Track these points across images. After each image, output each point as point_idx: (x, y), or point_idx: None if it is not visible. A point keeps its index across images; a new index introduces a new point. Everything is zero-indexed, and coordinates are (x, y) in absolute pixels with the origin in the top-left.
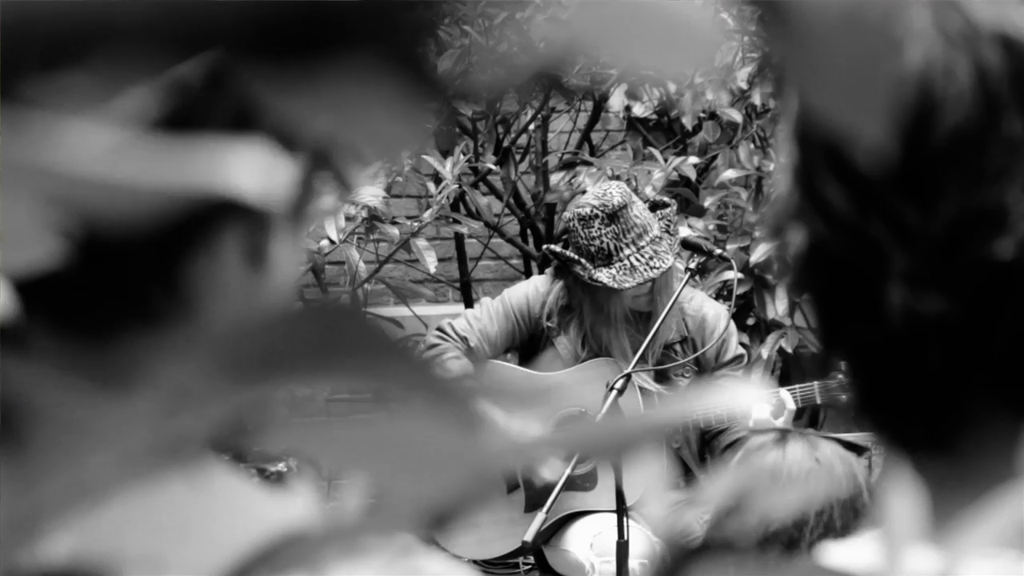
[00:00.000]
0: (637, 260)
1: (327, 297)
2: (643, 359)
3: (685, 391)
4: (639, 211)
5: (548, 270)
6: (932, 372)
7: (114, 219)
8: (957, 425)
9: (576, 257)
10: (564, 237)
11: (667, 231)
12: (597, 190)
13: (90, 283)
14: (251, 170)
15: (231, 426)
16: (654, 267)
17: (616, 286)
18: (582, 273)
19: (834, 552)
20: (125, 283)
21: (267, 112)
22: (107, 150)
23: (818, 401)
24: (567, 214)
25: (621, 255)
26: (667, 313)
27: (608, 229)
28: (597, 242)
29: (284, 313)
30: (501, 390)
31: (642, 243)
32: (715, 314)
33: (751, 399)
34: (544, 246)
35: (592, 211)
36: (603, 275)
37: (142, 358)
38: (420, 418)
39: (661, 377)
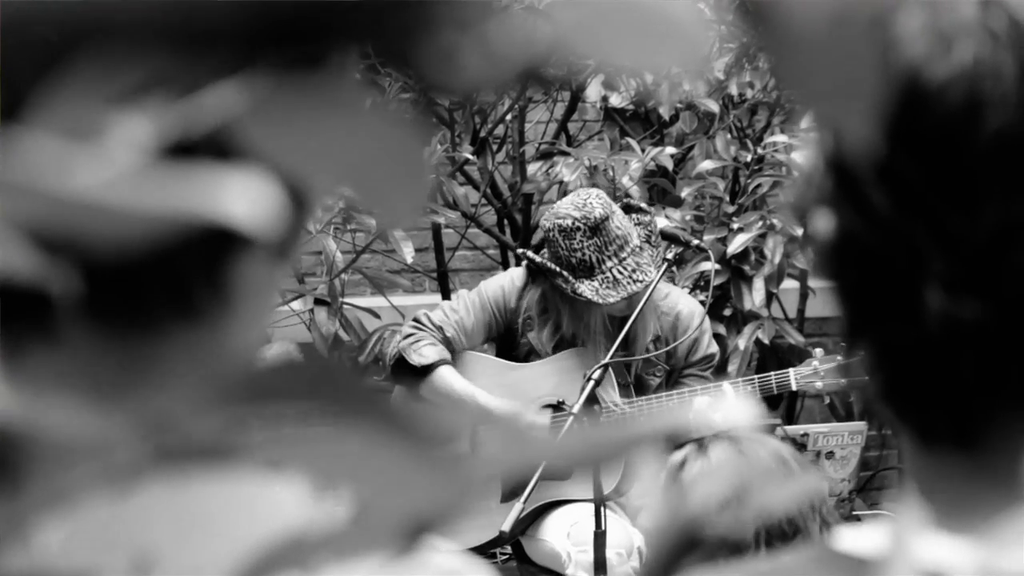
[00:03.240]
0: (620, 272)
1: (320, 355)
2: (625, 352)
3: (666, 398)
4: (619, 221)
5: (522, 270)
6: (964, 374)
7: (108, 243)
8: (985, 424)
9: (557, 269)
10: (544, 246)
11: (648, 241)
12: (577, 200)
13: (131, 276)
14: (244, 199)
15: (215, 442)
16: (637, 280)
17: (600, 300)
18: (564, 286)
19: (844, 537)
20: (169, 277)
21: (262, 152)
22: (105, 176)
23: (793, 388)
24: (546, 223)
25: (603, 267)
26: (641, 308)
27: (590, 242)
28: (579, 254)
29: (277, 360)
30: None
31: (624, 255)
32: (688, 311)
33: (729, 400)
34: (520, 250)
35: (574, 223)
36: (586, 288)
37: (175, 351)
38: (392, 436)
39: (632, 375)
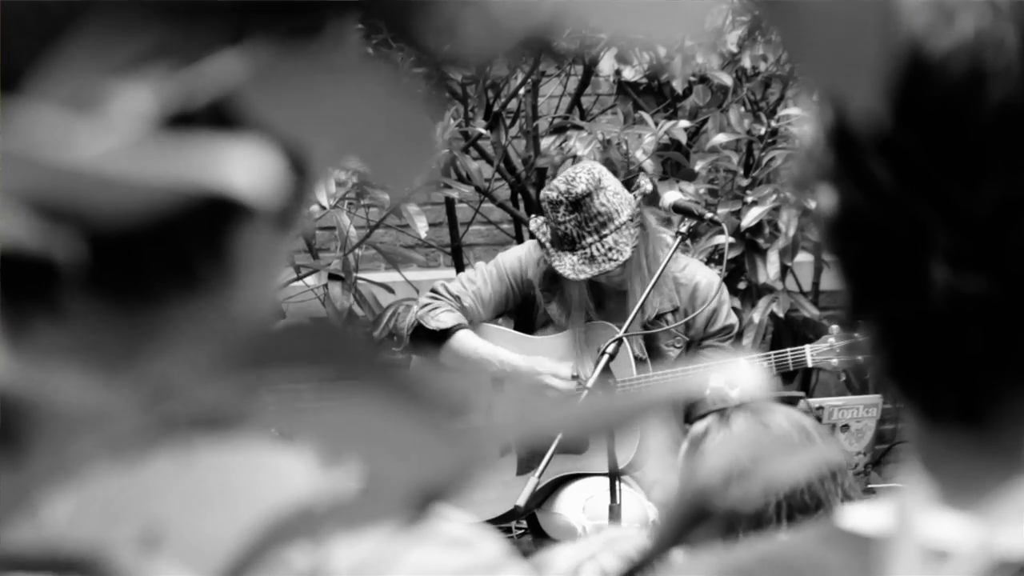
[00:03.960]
0: (597, 250)
1: (328, 321)
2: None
3: (679, 365)
4: (607, 197)
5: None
6: (969, 350)
7: (110, 214)
8: (990, 400)
9: (544, 242)
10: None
11: (631, 219)
12: (569, 173)
13: (134, 246)
14: (246, 168)
15: (222, 410)
16: (611, 259)
17: (573, 276)
18: (547, 259)
19: (850, 514)
20: (169, 246)
21: (266, 121)
22: (107, 147)
23: (809, 365)
24: (543, 193)
25: (584, 243)
26: (653, 285)
27: (571, 216)
28: (562, 228)
29: (278, 324)
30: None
31: (605, 232)
32: (707, 283)
33: (744, 374)
34: (531, 216)
35: (558, 196)
36: (564, 263)
37: (178, 320)
38: (404, 404)
39: (650, 347)
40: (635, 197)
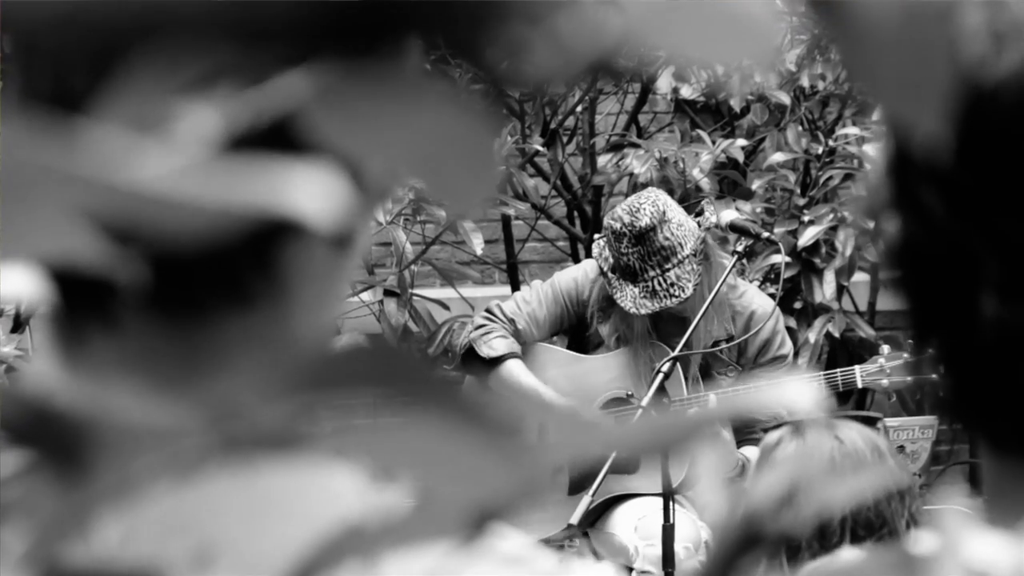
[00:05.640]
0: (659, 284)
1: (387, 343)
2: (686, 350)
3: (732, 388)
4: (671, 231)
5: (595, 261)
6: (1021, 381)
7: (175, 237)
8: None
9: (606, 270)
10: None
11: (695, 254)
12: (634, 202)
13: (190, 264)
14: (312, 193)
15: (282, 430)
16: (673, 295)
17: (634, 310)
18: (608, 288)
19: (917, 539)
20: (225, 266)
21: (330, 142)
22: (172, 168)
23: (859, 386)
24: (606, 220)
25: (646, 276)
26: (706, 310)
27: (634, 249)
28: (625, 259)
29: (337, 346)
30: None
31: (668, 266)
32: (763, 311)
33: (798, 396)
34: (596, 235)
35: (621, 228)
36: (625, 295)
37: (233, 339)
38: (461, 425)
39: (705, 374)
40: (699, 227)
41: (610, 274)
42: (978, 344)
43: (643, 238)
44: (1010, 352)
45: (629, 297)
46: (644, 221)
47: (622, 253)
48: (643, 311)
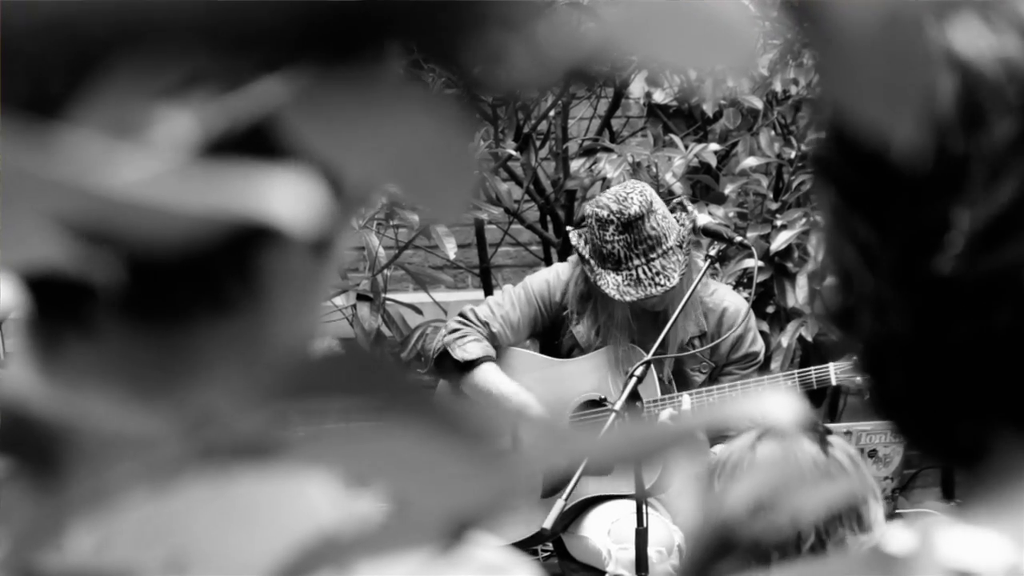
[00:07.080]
0: (644, 273)
1: (363, 349)
2: (661, 350)
3: (706, 389)
4: (657, 221)
5: (567, 264)
6: (896, 388)
7: (152, 242)
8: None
9: (586, 256)
10: (582, 228)
11: (679, 245)
12: (620, 191)
13: (165, 270)
14: (289, 198)
15: (258, 438)
16: (659, 284)
17: (617, 297)
18: (589, 274)
19: (886, 537)
20: (201, 272)
21: (307, 147)
22: (148, 173)
23: (833, 383)
24: (587, 208)
25: (630, 264)
26: (682, 308)
27: (621, 237)
28: (609, 246)
29: (317, 354)
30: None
31: (653, 255)
32: (735, 309)
33: (776, 406)
34: (568, 227)
35: (609, 215)
36: (608, 282)
37: (210, 345)
38: (437, 432)
39: (677, 372)
40: (683, 225)
41: (592, 262)
42: (865, 354)
43: (631, 226)
44: (886, 359)
45: (612, 284)
46: (633, 209)
47: (606, 241)
48: (627, 298)
